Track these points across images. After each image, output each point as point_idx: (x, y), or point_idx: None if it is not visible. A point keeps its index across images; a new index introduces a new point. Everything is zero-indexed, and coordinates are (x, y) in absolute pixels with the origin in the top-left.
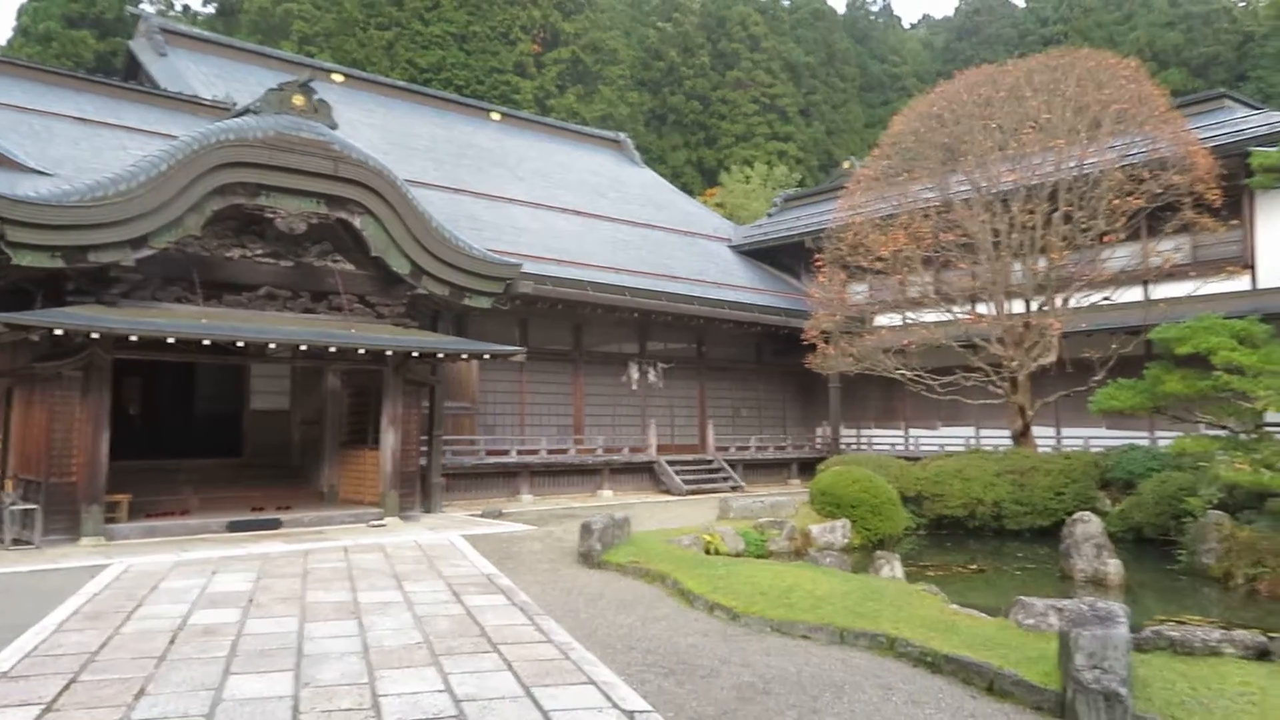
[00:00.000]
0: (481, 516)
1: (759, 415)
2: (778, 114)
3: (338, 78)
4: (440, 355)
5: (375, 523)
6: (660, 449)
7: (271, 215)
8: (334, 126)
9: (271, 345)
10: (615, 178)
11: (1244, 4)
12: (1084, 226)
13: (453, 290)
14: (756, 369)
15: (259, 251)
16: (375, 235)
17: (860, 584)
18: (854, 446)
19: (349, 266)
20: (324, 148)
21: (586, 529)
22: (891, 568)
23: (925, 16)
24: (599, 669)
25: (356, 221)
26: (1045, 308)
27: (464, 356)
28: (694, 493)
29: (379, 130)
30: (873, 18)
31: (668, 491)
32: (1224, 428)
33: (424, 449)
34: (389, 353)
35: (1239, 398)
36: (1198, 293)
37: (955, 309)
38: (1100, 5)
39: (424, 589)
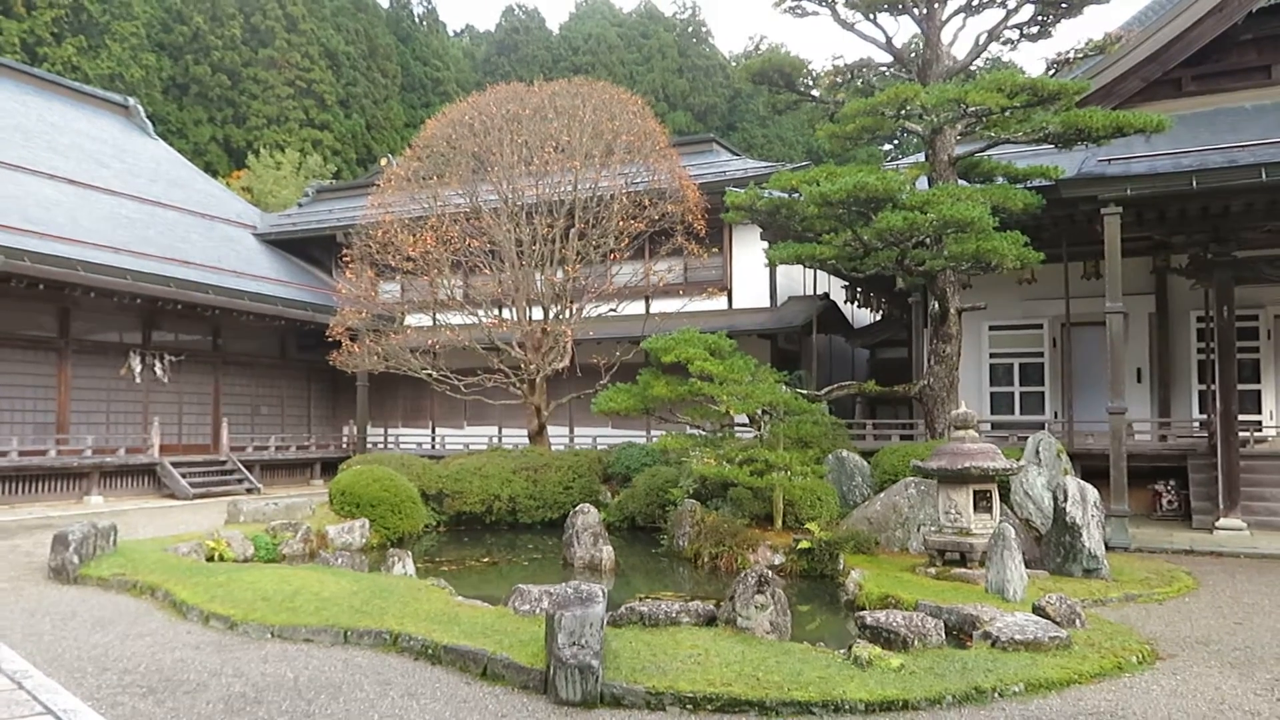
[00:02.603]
0: None
1: (282, 413)
2: (315, 100)
3: None
4: None
5: None
6: (166, 449)
7: None
8: None
9: None
10: (121, 147)
11: (735, 64)
12: (596, 244)
13: None
14: (281, 364)
15: None
16: None
17: (369, 583)
18: (382, 445)
19: None
20: None
21: (61, 539)
22: (404, 565)
23: (469, 26)
24: (61, 696)
25: None
26: (562, 316)
27: None
28: (203, 496)
29: None
30: (417, 19)
31: (173, 496)
32: (699, 428)
33: None
34: None
35: (709, 401)
36: (688, 309)
37: (480, 313)
38: (623, 45)
39: None
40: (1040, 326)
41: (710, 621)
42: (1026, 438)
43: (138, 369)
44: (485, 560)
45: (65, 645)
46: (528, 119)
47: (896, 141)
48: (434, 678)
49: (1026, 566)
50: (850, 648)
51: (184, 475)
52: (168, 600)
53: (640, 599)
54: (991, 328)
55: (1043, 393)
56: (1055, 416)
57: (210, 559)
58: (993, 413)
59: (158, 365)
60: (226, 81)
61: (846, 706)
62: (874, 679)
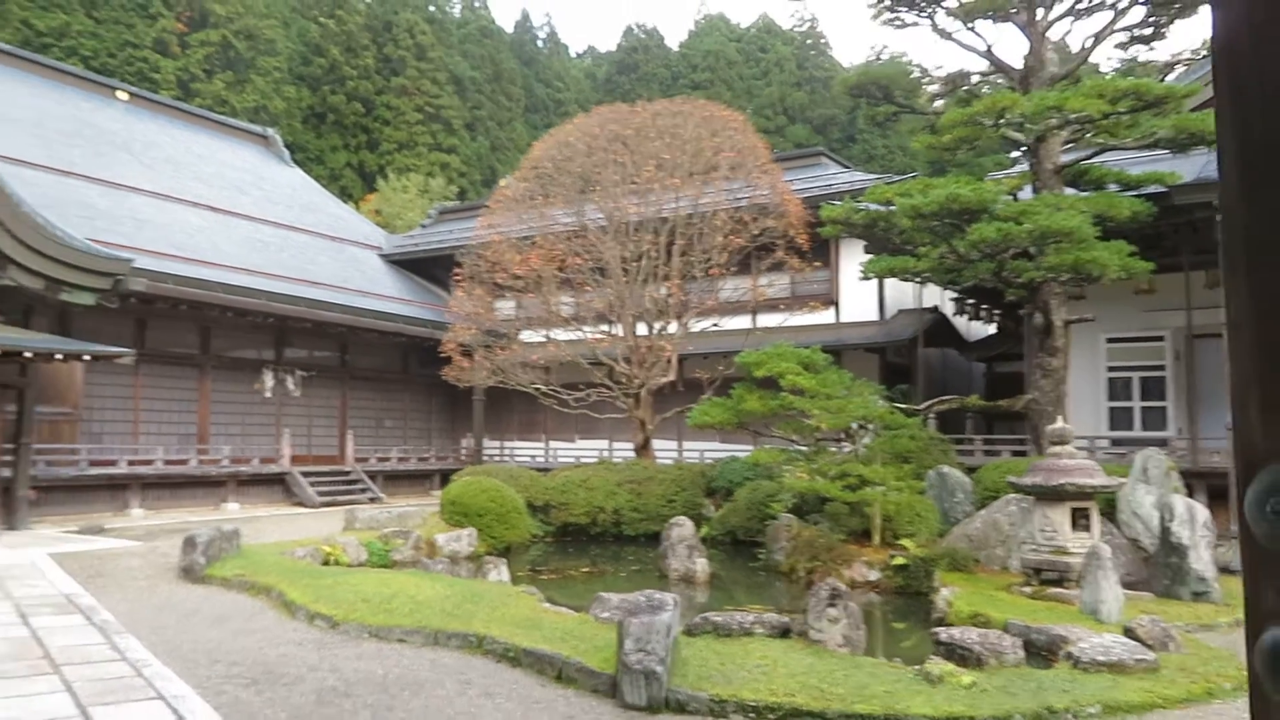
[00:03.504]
0: (79, 533)
1: (404, 426)
2: (442, 125)
3: None
4: (28, 355)
5: None
6: (296, 460)
7: None
8: None
9: None
10: (260, 175)
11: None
12: (698, 260)
13: (48, 283)
14: (403, 379)
15: None
16: None
17: (463, 588)
18: (497, 458)
19: None
20: None
21: (190, 542)
22: (498, 571)
23: (590, 48)
24: (173, 684)
25: None
26: (665, 331)
27: (58, 356)
28: (329, 505)
29: None
30: (540, 43)
31: (301, 504)
32: (796, 441)
33: (8, 458)
34: None
35: (801, 415)
36: (795, 323)
37: (586, 328)
38: (742, 60)
39: None
40: (1161, 339)
41: (784, 634)
42: None
43: (270, 384)
44: (586, 570)
45: (184, 638)
46: (631, 139)
47: (1025, 148)
48: (512, 679)
49: (1135, 588)
50: (924, 664)
51: (312, 484)
52: (280, 600)
53: (730, 610)
54: (1109, 340)
55: (1165, 408)
56: (1179, 433)
57: (325, 563)
58: (1111, 428)
59: (289, 380)
60: (360, 109)
61: None
62: (941, 695)
